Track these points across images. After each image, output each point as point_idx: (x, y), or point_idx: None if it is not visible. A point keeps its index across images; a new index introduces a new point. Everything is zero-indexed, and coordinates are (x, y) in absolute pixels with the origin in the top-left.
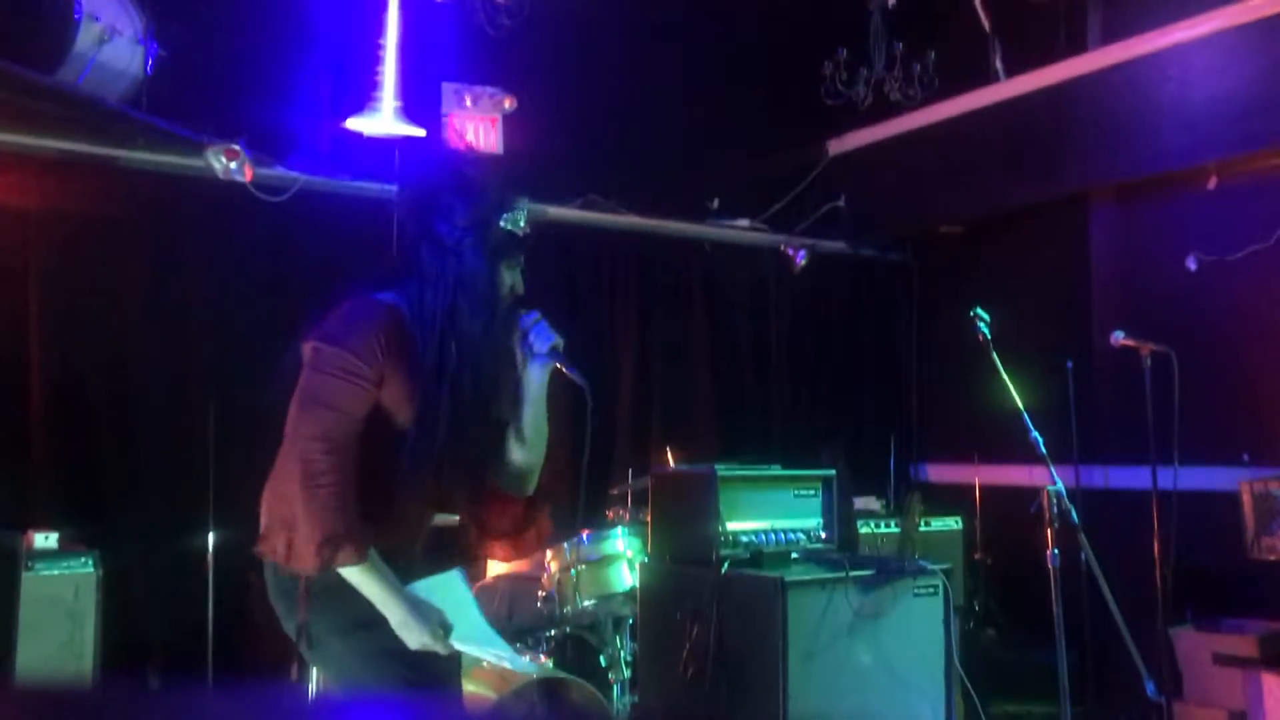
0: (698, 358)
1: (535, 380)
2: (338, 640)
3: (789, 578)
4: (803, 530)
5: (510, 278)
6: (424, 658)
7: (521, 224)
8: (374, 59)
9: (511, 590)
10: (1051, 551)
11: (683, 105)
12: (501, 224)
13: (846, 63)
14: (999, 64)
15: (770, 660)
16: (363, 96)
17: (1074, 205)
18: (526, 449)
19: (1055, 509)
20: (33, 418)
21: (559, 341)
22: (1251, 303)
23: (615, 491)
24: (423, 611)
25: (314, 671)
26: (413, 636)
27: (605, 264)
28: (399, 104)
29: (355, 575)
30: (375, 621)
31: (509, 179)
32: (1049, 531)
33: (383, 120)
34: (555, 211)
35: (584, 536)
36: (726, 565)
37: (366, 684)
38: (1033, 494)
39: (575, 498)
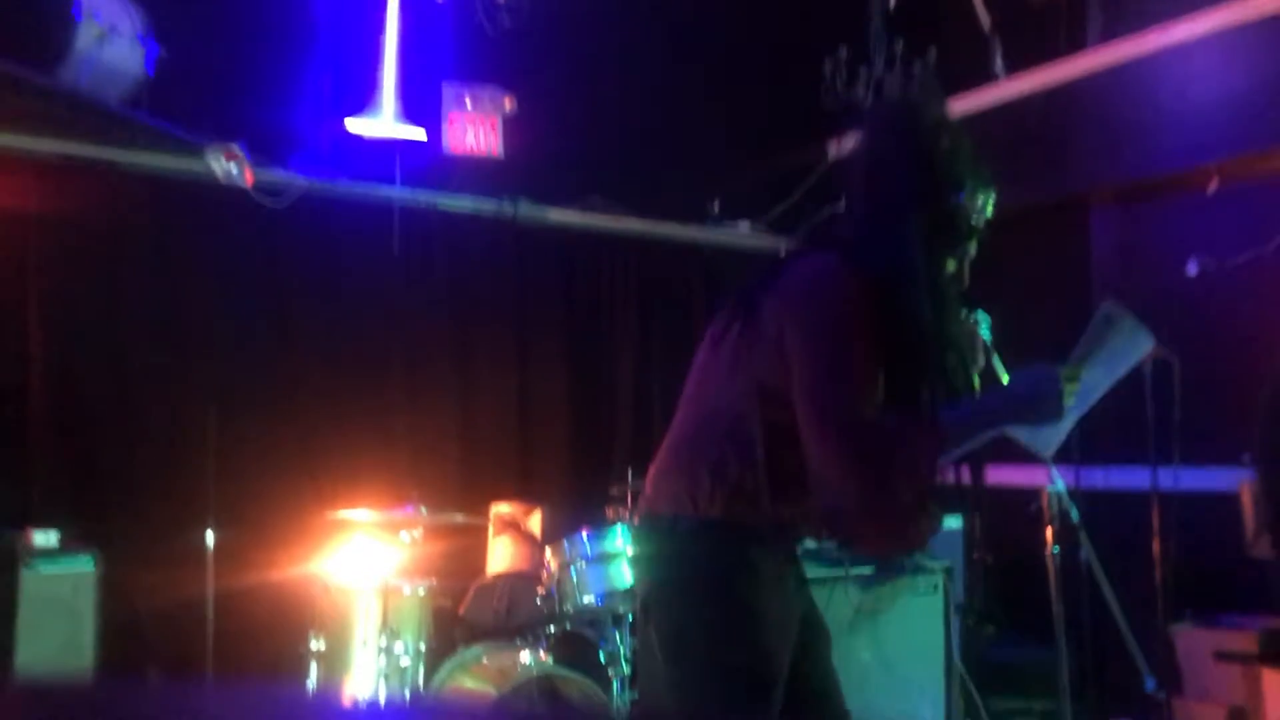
0: None
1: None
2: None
3: None
4: None
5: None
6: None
7: (987, 213)
8: (374, 59)
9: (512, 587)
10: (1051, 550)
11: (683, 107)
12: (957, 205)
13: (846, 63)
14: (999, 64)
15: None
16: (363, 97)
17: (1074, 208)
18: None
19: (1055, 509)
20: (33, 418)
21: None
22: (1252, 305)
23: (615, 491)
24: (1036, 407)
25: (314, 671)
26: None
27: (605, 266)
28: (399, 105)
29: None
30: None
31: (975, 148)
32: (1049, 531)
33: (382, 122)
34: (556, 214)
35: (584, 534)
36: None
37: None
38: (1033, 494)
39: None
